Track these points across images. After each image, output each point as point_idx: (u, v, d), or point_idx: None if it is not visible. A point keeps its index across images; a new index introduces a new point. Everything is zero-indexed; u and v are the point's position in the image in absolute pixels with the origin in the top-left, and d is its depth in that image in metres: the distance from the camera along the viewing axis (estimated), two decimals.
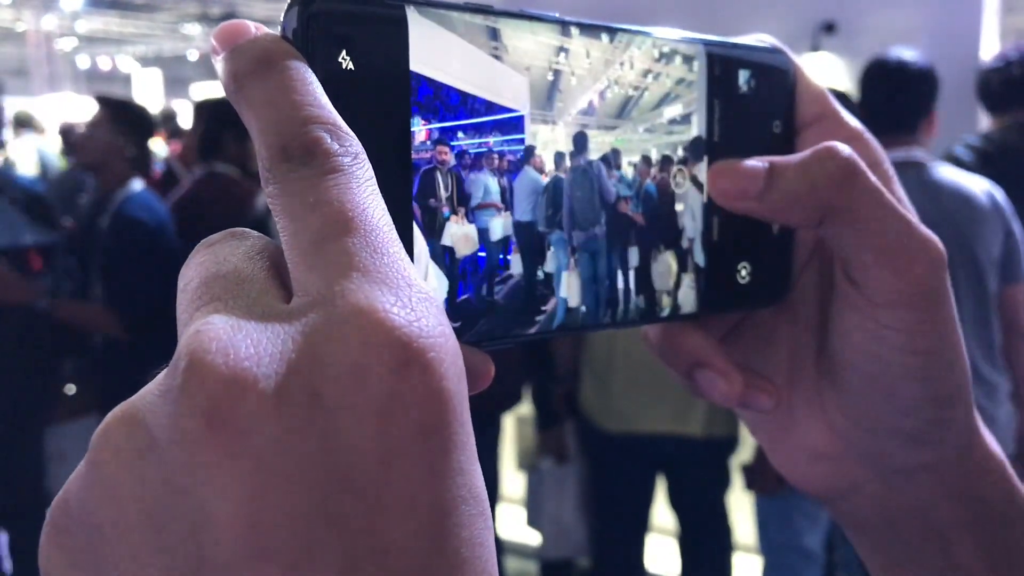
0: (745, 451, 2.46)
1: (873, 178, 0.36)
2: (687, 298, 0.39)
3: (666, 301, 0.38)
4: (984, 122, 3.50)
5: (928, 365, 0.36)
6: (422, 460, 0.21)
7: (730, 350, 0.42)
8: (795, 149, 0.40)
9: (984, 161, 2.59)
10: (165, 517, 0.21)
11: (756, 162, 0.37)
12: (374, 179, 0.25)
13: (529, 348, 2.38)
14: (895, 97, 2.21)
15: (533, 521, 2.69)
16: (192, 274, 0.25)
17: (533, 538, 2.82)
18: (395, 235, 0.24)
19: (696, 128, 0.39)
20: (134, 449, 0.21)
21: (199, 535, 0.20)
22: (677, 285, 0.39)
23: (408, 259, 0.24)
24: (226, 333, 0.22)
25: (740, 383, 0.39)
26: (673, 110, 0.38)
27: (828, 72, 3.59)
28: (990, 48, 3.58)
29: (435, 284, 0.31)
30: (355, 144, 0.25)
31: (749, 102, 0.40)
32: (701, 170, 0.39)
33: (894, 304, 0.36)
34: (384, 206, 0.25)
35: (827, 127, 0.40)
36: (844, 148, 0.36)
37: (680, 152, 0.38)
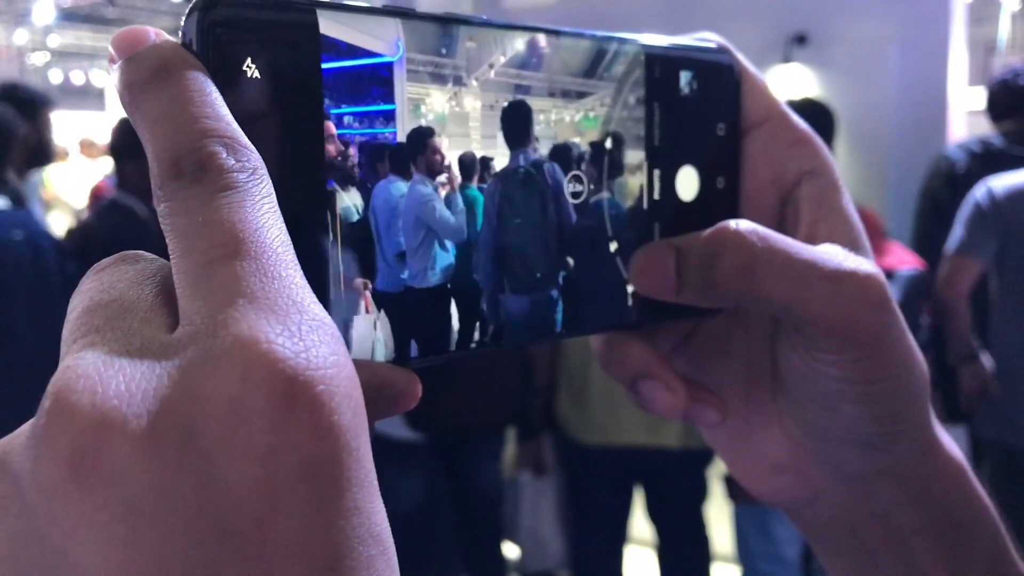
0: None
1: (781, 246, 0.34)
2: (629, 308, 0.37)
3: (607, 311, 0.37)
4: (954, 132, 3.54)
5: (867, 391, 0.35)
6: (310, 501, 0.20)
7: (683, 361, 0.41)
8: (740, 153, 0.39)
9: (977, 162, 2.67)
10: (30, 572, 0.19)
11: (663, 253, 0.36)
12: (273, 197, 0.23)
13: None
14: None
15: (512, 534, 2.68)
16: (77, 302, 0.23)
17: (512, 551, 2.81)
18: (291, 257, 0.23)
19: (637, 132, 0.37)
20: None
21: None
22: (618, 294, 0.37)
23: (304, 283, 0.22)
24: (96, 369, 0.20)
25: (684, 395, 0.38)
26: (614, 112, 0.36)
27: (799, 83, 3.61)
28: (958, 59, 3.63)
29: (346, 304, 0.29)
30: (253, 159, 0.24)
31: (692, 104, 0.38)
32: (642, 175, 0.37)
33: (829, 350, 0.35)
34: (282, 226, 0.23)
35: (773, 129, 0.39)
36: (737, 230, 0.34)
37: (621, 156, 0.36)
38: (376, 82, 0.28)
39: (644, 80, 0.37)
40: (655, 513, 2.52)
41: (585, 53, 0.34)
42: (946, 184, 2.79)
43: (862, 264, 0.35)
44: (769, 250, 0.34)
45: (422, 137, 0.28)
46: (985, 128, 2.91)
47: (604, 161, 0.35)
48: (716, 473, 2.48)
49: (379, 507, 0.22)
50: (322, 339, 0.21)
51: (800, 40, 3.71)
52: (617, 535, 2.51)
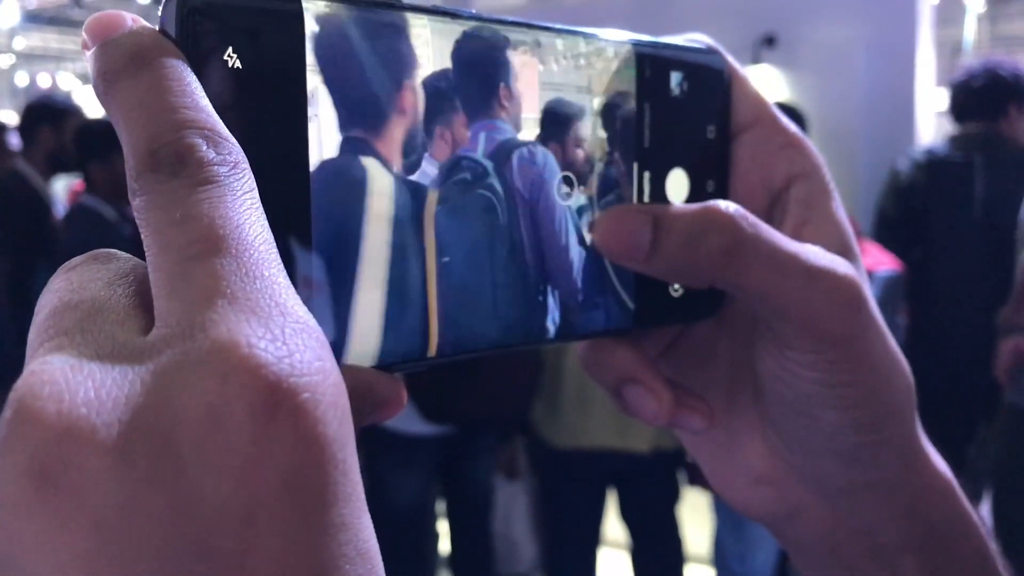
0: None
1: (767, 235, 0.33)
2: (617, 312, 0.36)
3: (594, 316, 0.36)
4: (922, 132, 3.58)
5: (845, 395, 0.35)
6: (292, 518, 0.19)
7: (668, 367, 0.39)
8: (730, 156, 0.39)
9: (927, 173, 2.66)
10: None
11: (640, 218, 0.34)
12: (255, 192, 0.22)
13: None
14: None
15: None
16: (45, 302, 0.22)
17: None
18: (274, 255, 0.22)
19: (626, 133, 0.36)
20: None
21: None
22: (605, 298, 0.36)
23: (288, 283, 0.21)
24: (63, 375, 0.19)
25: (670, 401, 0.37)
26: (603, 113, 0.35)
27: (769, 84, 3.63)
28: (925, 60, 3.66)
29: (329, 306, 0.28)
30: (235, 152, 0.23)
31: (682, 106, 0.38)
32: (632, 176, 0.36)
33: (802, 349, 0.34)
34: (265, 223, 0.22)
35: (763, 132, 0.38)
36: (728, 212, 0.33)
37: (610, 157, 0.35)
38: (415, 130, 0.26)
39: (635, 79, 0.36)
40: (628, 515, 2.51)
41: (545, 103, 0.32)
42: (893, 198, 2.78)
43: (840, 265, 0.34)
44: (756, 237, 0.33)
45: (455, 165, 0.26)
46: (951, 129, 2.93)
47: (590, 166, 0.34)
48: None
49: (367, 523, 0.21)
50: (307, 343, 0.20)
51: (769, 42, 3.73)
52: (590, 538, 2.51)
